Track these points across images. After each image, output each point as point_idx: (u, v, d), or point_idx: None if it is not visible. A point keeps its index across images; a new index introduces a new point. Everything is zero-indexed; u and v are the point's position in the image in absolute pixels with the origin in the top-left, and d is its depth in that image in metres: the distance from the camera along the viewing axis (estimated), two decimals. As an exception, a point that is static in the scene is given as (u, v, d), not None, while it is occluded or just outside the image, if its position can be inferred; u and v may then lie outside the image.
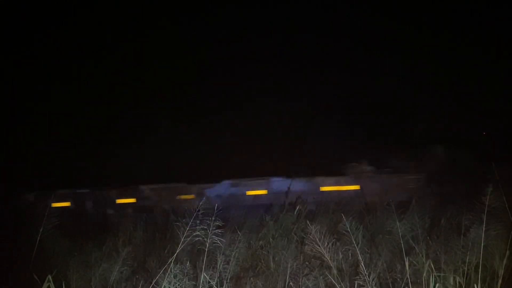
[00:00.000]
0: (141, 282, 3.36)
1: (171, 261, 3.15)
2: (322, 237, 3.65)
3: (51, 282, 3.24)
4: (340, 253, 3.94)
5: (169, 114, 13.02)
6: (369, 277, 3.21)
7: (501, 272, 3.67)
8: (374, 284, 3.30)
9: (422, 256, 3.83)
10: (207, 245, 3.22)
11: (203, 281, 3.25)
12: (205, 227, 3.20)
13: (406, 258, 3.56)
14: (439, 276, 3.46)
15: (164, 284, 3.05)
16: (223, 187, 8.85)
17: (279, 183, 8.66)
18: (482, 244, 3.61)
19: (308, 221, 3.99)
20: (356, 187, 8.75)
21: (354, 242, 3.48)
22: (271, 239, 4.97)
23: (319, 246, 3.62)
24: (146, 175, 9.65)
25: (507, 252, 3.74)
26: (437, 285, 3.29)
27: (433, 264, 3.42)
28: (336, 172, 9.14)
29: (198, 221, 3.20)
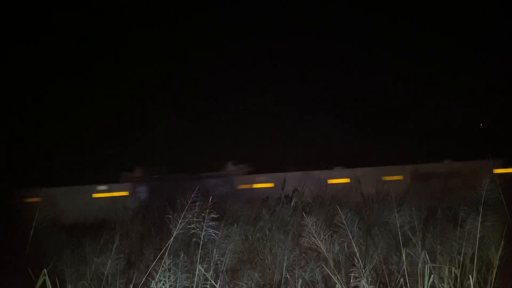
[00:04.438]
0: (135, 275, 3.36)
1: (162, 254, 3.14)
2: (318, 229, 3.65)
3: (47, 276, 3.22)
4: (336, 245, 3.94)
5: (169, 112, 13.07)
6: (364, 269, 3.22)
7: (496, 262, 3.68)
8: (370, 275, 3.30)
9: (418, 247, 3.83)
10: (202, 237, 3.21)
11: (198, 273, 3.25)
12: (199, 219, 3.18)
13: (403, 249, 3.56)
14: (434, 267, 3.46)
15: (158, 277, 3.04)
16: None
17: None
18: (477, 235, 3.62)
19: (304, 214, 3.98)
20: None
21: (350, 234, 3.48)
22: (267, 232, 4.97)
23: (315, 238, 3.61)
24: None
25: (502, 243, 3.75)
26: (432, 276, 3.30)
27: (429, 255, 3.42)
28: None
29: (192, 214, 3.18)
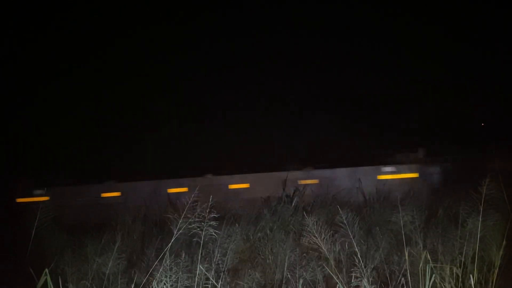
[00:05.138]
0: (137, 274, 3.37)
1: (164, 254, 3.15)
2: (320, 229, 3.64)
3: (48, 275, 3.23)
4: (337, 245, 3.94)
5: (170, 114, 13.17)
6: (365, 268, 3.22)
7: (498, 262, 3.67)
8: (371, 275, 3.30)
9: (420, 247, 3.83)
10: (202, 237, 3.21)
11: (199, 273, 3.25)
12: (200, 219, 3.19)
13: (406, 248, 3.55)
14: (435, 266, 3.46)
15: (160, 277, 3.05)
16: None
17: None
18: (478, 235, 3.61)
19: (305, 213, 3.98)
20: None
21: (350, 234, 3.48)
22: (268, 232, 4.97)
23: (316, 238, 3.61)
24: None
25: (504, 243, 3.74)
26: (434, 275, 3.29)
27: (430, 255, 3.41)
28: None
29: (193, 214, 3.19)
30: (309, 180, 8.18)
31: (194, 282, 3.25)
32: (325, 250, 3.58)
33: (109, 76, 13.45)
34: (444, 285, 3.45)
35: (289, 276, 3.85)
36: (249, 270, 3.91)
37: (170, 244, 3.20)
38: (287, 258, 4.05)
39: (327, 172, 8.44)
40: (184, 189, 8.17)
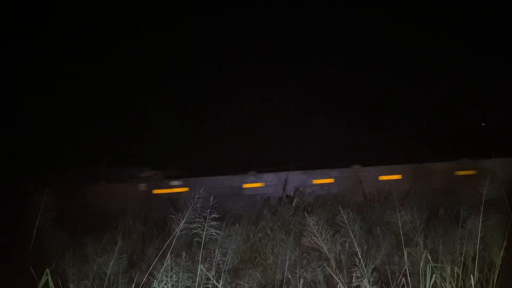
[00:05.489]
0: (137, 274, 3.37)
1: (164, 254, 3.15)
2: (320, 229, 3.65)
3: (49, 275, 3.24)
4: (338, 245, 3.94)
5: (168, 112, 13.15)
6: (366, 269, 3.22)
7: (498, 262, 3.67)
8: (371, 275, 3.30)
9: (420, 247, 3.83)
10: (203, 237, 3.22)
11: (199, 273, 3.26)
12: (201, 219, 3.19)
13: (405, 249, 3.56)
14: (436, 266, 3.46)
15: (161, 277, 3.05)
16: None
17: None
18: (479, 235, 3.61)
19: (306, 213, 3.98)
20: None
21: (351, 234, 3.48)
22: (269, 232, 4.97)
23: (317, 238, 3.61)
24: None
25: (505, 243, 3.74)
26: (434, 275, 3.29)
27: (431, 255, 3.42)
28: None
29: (195, 214, 3.19)
30: (465, 171, 7.85)
31: (195, 282, 3.25)
32: (326, 250, 3.58)
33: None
34: (444, 285, 3.45)
35: (289, 276, 3.85)
36: (250, 270, 3.91)
37: (173, 244, 3.20)
38: (287, 258, 4.05)
39: (486, 162, 7.72)
40: (330, 180, 8.06)
